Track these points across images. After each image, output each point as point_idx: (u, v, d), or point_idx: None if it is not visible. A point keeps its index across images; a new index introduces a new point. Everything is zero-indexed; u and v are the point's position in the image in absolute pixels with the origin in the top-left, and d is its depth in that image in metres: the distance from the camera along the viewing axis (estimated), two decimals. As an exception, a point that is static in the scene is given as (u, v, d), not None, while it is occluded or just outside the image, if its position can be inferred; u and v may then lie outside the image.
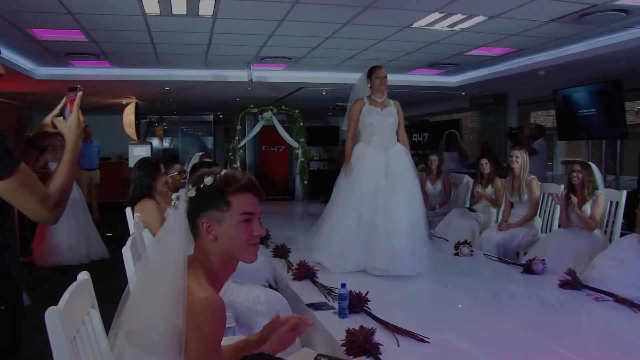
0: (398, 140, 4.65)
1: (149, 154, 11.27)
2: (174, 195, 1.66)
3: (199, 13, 5.31)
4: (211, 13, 5.32)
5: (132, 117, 11.47)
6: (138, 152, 11.30)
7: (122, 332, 1.55)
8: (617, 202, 4.73)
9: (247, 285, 3.20)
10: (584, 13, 5.24)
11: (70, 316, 1.51)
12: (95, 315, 1.75)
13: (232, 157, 10.55)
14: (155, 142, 15.31)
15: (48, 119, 1.80)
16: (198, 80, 8.94)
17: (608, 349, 2.82)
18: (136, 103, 11.57)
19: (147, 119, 13.87)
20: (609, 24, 5.68)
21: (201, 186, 1.63)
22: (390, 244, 4.14)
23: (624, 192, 4.77)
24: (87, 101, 11.46)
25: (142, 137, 13.32)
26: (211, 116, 15.93)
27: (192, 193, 1.63)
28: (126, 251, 2.36)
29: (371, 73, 4.67)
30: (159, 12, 5.25)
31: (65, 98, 1.78)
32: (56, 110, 1.79)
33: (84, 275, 1.73)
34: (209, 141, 16.24)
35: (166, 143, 16.02)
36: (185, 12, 5.28)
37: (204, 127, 16.28)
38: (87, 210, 7.45)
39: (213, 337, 1.54)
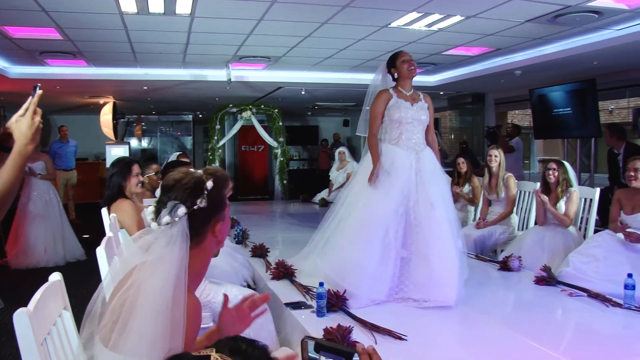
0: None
1: (127, 154, 11.17)
2: (166, 218, 1.52)
3: (177, 12, 5.27)
4: (189, 12, 5.29)
5: (110, 117, 11.35)
6: (116, 153, 11.18)
7: (99, 337, 1.51)
8: (591, 200, 4.81)
9: (225, 285, 3.19)
10: (558, 14, 5.32)
11: (41, 318, 1.49)
12: (68, 316, 1.73)
13: (211, 157, 10.49)
14: (134, 142, 15.18)
15: (13, 119, 1.74)
16: (176, 79, 8.89)
17: (582, 343, 2.87)
18: (114, 103, 11.46)
19: (125, 119, 13.73)
20: (582, 25, 5.77)
21: (205, 193, 1.57)
22: (430, 270, 3.43)
23: (598, 190, 4.84)
24: (63, 101, 11.39)
25: (120, 137, 13.18)
26: (190, 116, 15.85)
27: (204, 203, 1.56)
28: (100, 251, 2.33)
29: (395, 60, 3.86)
30: (135, 11, 5.21)
31: (30, 97, 1.72)
32: (21, 110, 1.71)
33: (55, 277, 1.71)
34: (188, 141, 16.14)
35: (145, 143, 15.88)
36: (162, 11, 5.24)
37: (183, 126, 16.18)
38: (63, 211, 7.36)
39: (187, 338, 1.52)
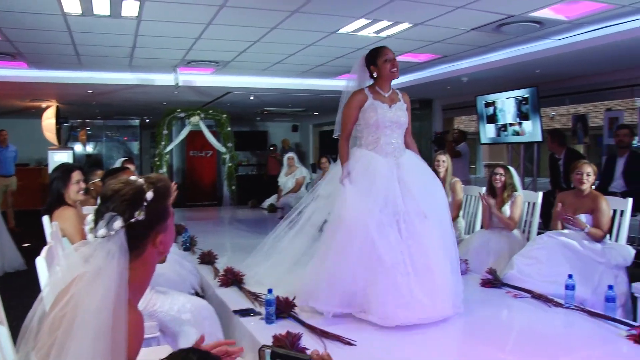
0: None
1: (70, 160, 10.84)
2: (102, 231, 1.46)
3: (123, 14, 5.16)
4: (136, 14, 5.18)
5: (53, 121, 10.98)
6: (59, 158, 10.80)
7: (36, 354, 1.44)
8: (534, 203, 4.96)
9: (172, 294, 3.12)
10: (502, 23, 5.48)
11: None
12: (4, 331, 1.66)
13: (158, 163, 10.29)
14: (78, 147, 14.73)
15: None
16: (123, 83, 8.69)
17: (526, 343, 2.93)
18: (57, 107, 11.10)
19: (68, 124, 13.34)
20: (525, 34, 5.96)
21: (145, 204, 1.51)
22: (423, 285, 3.10)
23: (540, 194, 5.00)
24: (2, 104, 10.99)
25: (64, 142, 12.78)
26: (137, 121, 15.53)
27: (142, 216, 1.49)
28: (40, 261, 2.23)
29: (376, 57, 3.46)
30: (80, 12, 5.06)
31: None
32: None
33: (-10, 289, 1.63)
34: (135, 146, 15.79)
35: (89, 148, 15.43)
36: (108, 13, 5.11)
37: (130, 131, 15.82)
38: (2, 219, 7.06)
39: (129, 356, 1.46)
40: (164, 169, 10.20)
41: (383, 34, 6.01)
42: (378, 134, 3.42)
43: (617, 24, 5.47)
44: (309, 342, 2.67)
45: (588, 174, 4.28)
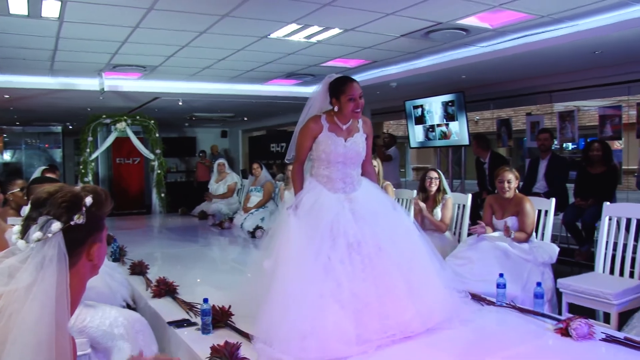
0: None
1: (-14, 169, 10.27)
2: (37, 234, 1.37)
3: (43, 15, 4.91)
4: (57, 15, 4.95)
5: (-35, 128, 10.39)
6: (-27, 167, 10.25)
7: None
8: (464, 205, 5.10)
9: (102, 308, 2.99)
10: (430, 30, 5.61)
11: None
12: None
13: (83, 171, 9.88)
14: (-6, 155, 14.02)
15: None
16: (43, 88, 8.29)
17: (461, 341, 3.00)
18: (-30, 112, 10.51)
19: (-17, 130, 12.65)
20: (452, 41, 6.14)
21: (84, 209, 1.43)
22: (373, 322, 2.87)
23: (470, 196, 5.15)
24: None
25: (-22, 150, 12.14)
26: (59, 127, 14.92)
27: (82, 219, 1.42)
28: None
29: (339, 91, 3.19)
30: (-6, 12, 4.80)
31: None
32: None
33: None
34: (58, 154, 15.15)
35: (7, 156, 14.70)
36: (26, 13, 4.86)
37: (52, 138, 15.18)
38: None
39: None
40: (90, 177, 9.81)
41: (314, 40, 6.04)
42: (330, 167, 3.23)
43: (537, 33, 5.75)
44: (249, 351, 2.63)
45: (509, 181, 4.45)
